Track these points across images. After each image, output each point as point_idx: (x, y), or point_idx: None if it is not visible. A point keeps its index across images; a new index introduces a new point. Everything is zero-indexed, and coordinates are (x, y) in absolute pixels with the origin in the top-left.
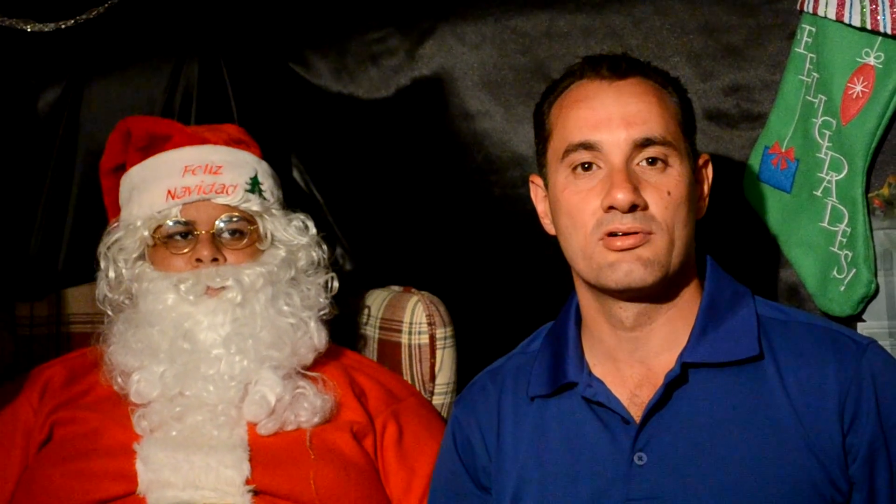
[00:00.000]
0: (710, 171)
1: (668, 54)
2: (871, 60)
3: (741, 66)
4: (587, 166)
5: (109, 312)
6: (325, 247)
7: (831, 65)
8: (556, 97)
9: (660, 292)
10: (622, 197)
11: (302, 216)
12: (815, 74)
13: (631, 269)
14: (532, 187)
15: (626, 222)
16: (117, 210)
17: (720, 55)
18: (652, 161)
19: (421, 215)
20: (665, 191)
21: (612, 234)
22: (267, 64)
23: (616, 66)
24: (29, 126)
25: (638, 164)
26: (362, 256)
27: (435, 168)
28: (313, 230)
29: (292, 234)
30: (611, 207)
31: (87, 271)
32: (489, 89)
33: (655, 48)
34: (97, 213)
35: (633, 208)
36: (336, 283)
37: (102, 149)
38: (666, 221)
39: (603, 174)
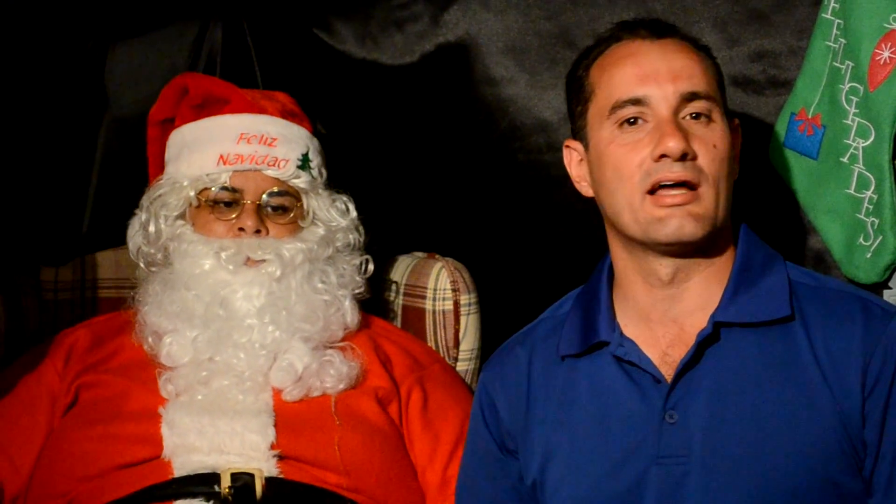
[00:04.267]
0: (740, 135)
1: (693, 20)
2: None
3: (768, 32)
4: (633, 121)
5: (142, 265)
6: (362, 230)
7: (858, 31)
8: (594, 59)
9: (703, 247)
10: (674, 144)
11: (345, 198)
12: (842, 40)
13: (682, 224)
14: (566, 152)
15: (676, 171)
16: (157, 161)
17: (746, 21)
18: (696, 116)
19: (445, 182)
20: (711, 143)
21: (661, 188)
22: (291, 29)
23: (655, 27)
24: (53, 91)
25: (684, 117)
26: (386, 222)
27: (459, 134)
28: (354, 213)
29: (333, 216)
30: (662, 156)
31: (112, 236)
32: (514, 55)
33: (681, 14)
34: (121, 177)
35: (683, 157)
36: (371, 266)
37: (126, 114)
38: (713, 174)
39: (650, 127)
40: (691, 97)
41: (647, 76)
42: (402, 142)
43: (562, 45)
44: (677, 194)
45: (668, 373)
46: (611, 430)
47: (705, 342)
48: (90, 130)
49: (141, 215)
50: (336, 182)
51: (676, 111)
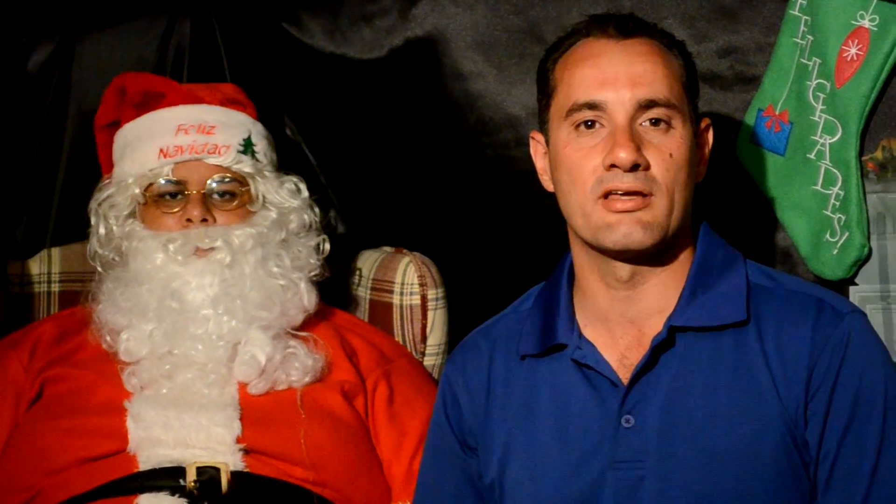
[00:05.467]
0: (710, 135)
1: (662, 16)
2: (866, 23)
3: (735, 28)
4: (590, 124)
5: (100, 269)
6: (317, 209)
7: (826, 27)
8: (561, 54)
9: (655, 254)
10: (625, 156)
11: (294, 178)
12: (809, 37)
13: (630, 232)
14: (532, 143)
15: (626, 181)
16: (111, 166)
17: (714, 17)
18: (655, 122)
19: (413, 176)
20: (667, 153)
21: (612, 194)
22: (259, 23)
23: (623, 26)
24: (20, 84)
25: (641, 124)
26: (354, 217)
27: (427, 129)
28: (305, 193)
29: (284, 197)
30: (612, 166)
31: (79, 229)
32: (482, 50)
33: (650, 10)
34: (89, 171)
35: (634, 167)
36: (327, 246)
37: (94, 107)
38: (667, 183)
39: (606, 132)
40: (649, 104)
41: (606, 80)
42: (370, 136)
43: (530, 41)
44: (628, 200)
45: (625, 376)
46: (569, 433)
47: (660, 346)
48: (57, 124)
49: (91, 219)
50: (307, 175)
51: (633, 118)
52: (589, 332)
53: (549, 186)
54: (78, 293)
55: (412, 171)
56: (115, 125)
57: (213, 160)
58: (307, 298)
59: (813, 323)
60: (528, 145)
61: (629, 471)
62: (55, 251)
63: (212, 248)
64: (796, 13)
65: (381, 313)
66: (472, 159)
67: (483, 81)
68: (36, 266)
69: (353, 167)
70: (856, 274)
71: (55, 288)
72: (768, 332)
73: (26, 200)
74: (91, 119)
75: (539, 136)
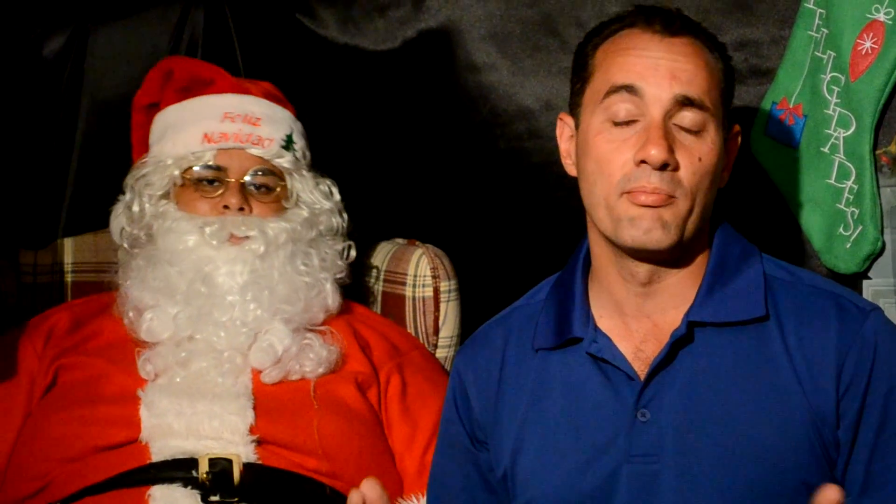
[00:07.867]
0: (738, 142)
1: (676, 8)
2: (881, 16)
3: (750, 21)
4: (626, 123)
5: (125, 246)
6: (345, 215)
7: (841, 20)
8: (603, 41)
9: (672, 255)
10: (656, 153)
11: (329, 181)
12: (824, 30)
13: (650, 228)
14: (559, 125)
15: (653, 181)
16: (143, 147)
17: (729, 10)
18: (688, 124)
19: (426, 168)
20: (697, 156)
21: (637, 190)
22: (273, 14)
23: (670, 22)
24: (33, 74)
25: (675, 123)
26: (367, 209)
27: (440, 121)
28: (337, 196)
29: (317, 198)
30: (643, 161)
31: (91, 220)
32: (496, 42)
33: (667, 2)
34: (101, 161)
35: (664, 167)
36: (353, 252)
37: (107, 97)
38: (691, 187)
39: (640, 127)
40: (685, 101)
41: (647, 69)
42: (383, 128)
43: (544, 33)
44: (652, 194)
45: (641, 369)
46: (582, 426)
47: (679, 342)
48: (70, 114)
49: (125, 196)
50: (318, 167)
51: (668, 114)
52: (604, 324)
53: (571, 171)
54: (91, 283)
55: (425, 163)
56: (154, 107)
57: (255, 151)
58: (331, 299)
59: (837, 320)
60: (541, 137)
61: (644, 465)
62: (68, 241)
63: (246, 237)
64: (811, 6)
65: (394, 305)
66: (484, 151)
67: (496, 73)
68: (48, 256)
69: (366, 158)
70: (869, 268)
71: (68, 278)
72: (789, 328)
73: (39, 190)
74: (104, 109)
75: (568, 119)
